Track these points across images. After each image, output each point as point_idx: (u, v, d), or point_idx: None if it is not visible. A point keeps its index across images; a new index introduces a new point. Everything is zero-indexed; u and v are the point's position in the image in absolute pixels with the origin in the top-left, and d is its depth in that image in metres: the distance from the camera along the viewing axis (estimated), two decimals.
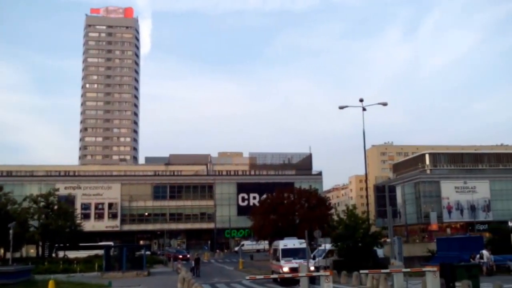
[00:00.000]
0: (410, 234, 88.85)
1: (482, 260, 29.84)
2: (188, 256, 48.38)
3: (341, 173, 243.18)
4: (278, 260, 28.64)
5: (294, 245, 29.51)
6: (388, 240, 28.60)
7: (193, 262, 38.53)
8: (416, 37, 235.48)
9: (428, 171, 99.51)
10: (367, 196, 47.44)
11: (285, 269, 26.78)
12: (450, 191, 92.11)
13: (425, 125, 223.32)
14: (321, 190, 79.67)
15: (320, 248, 36.99)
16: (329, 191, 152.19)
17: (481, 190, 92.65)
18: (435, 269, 18.58)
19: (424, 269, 19.80)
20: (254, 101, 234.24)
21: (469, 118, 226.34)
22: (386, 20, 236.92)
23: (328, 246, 36.80)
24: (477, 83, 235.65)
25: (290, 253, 28.34)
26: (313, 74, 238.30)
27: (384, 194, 25.21)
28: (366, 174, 43.14)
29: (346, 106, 36.34)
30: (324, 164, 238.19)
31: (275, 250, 30.28)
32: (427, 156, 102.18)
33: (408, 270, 21.89)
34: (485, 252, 31.17)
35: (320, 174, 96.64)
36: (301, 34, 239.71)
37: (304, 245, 29.07)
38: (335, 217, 42.34)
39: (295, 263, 26.71)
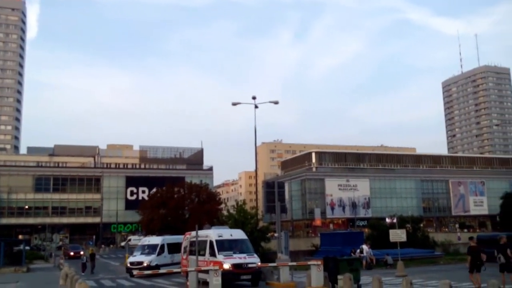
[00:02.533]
0: (295, 229, 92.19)
1: (362, 254, 31.55)
2: (82, 252, 46.05)
3: (231, 168, 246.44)
4: (212, 254, 21.91)
5: (231, 235, 23.64)
6: (276, 234, 29.24)
7: (85, 258, 36.26)
8: (307, 39, 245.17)
9: (314, 169, 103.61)
10: (256, 192, 48.35)
11: (226, 266, 20.55)
12: (334, 188, 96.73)
13: (313, 125, 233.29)
14: (211, 185, 79.72)
15: None
16: (219, 186, 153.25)
17: (362, 188, 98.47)
18: (319, 262, 19.26)
19: (309, 262, 20.44)
20: (147, 95, 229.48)
21: (353, 120, 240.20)
22: (279, 21, 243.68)
23: None
24: (361, 87, 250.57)
25: (228, 246, 22.48)
26: (208, 70, 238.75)
27: (273, 190, 25.63)
28: (256, 170, 43.77)
29: (239, 103, 36.54)
30: (216, 160, 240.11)
31: (202, 243, 22.45)
32: (313, 155, 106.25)
33: (294, 263, 22.52)
34: (365, 246, 32.99)
35: (211, 169, 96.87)
36: (197, 30, 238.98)
37: (244, 236, 24.11)
38: (225, 212, 42.54)
39: (238, 258, 21.45)
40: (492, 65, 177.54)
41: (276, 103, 37.23)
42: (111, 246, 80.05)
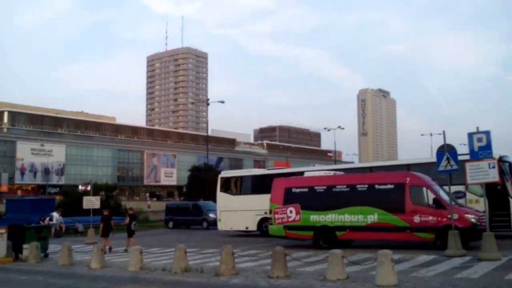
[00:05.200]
0: None
1: (52, 222, 30.46)
2: None
3: None
4: None
5: None
6: None
7: None
8: None
9: (5, 130, 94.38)
10: None
11: None
12: (26, 152, 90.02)
13: (7, 82, 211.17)
14: None
15: None
16: None
17: (57, 154, 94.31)
18: (3, 231, 17.81)
19: None
20: None
21: (58, 82, 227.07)
22: None
23: None
24: (69, 47, 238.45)
25: None
26: None
27: None
28: None
29: None
30: None
31: None
32: (5, 114, 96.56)
33: None
34: (55, 214, 31.92)
35: None
36: None
37: None
38: None
39: None
40: (193, 48, 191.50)
41: None
42: None
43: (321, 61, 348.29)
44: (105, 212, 22.06)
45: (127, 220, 21.19)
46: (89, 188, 41.27)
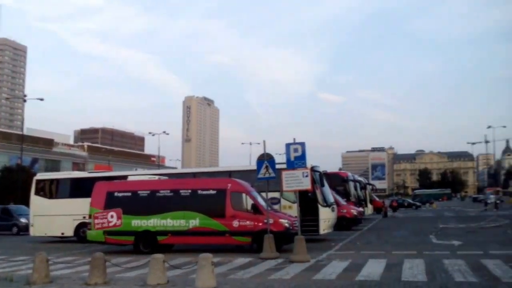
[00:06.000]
0: None
1: None
2: None
3: None
4: None
5: None
6: None
7: None
8: None
9: None
10: None
11: None
12: None
13: None
14: None
15: None
16: None
17: None
18: None
19: None
20: None
21: None
22: None
23: None
24: None
25: None
26: None
27: None
28: None
29: None
30: None
31: None
32: None
33: None
34: None
35: None
36: None
37: None
38: None
39: None
40: (11, 39, 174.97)
41: None
42: None
43: (149, 65, 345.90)
44: None
45: None
46: None
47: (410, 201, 75.27)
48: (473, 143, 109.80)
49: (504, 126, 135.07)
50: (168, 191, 17.91)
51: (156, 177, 20.77)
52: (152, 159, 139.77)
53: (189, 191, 17.57)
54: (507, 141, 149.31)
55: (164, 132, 76.94)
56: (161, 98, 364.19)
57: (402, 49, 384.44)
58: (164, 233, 17.26)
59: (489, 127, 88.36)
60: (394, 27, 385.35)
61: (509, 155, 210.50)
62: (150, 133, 79.69)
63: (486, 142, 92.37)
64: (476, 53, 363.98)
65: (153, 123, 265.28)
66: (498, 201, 57.50)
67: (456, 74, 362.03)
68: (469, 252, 15.03)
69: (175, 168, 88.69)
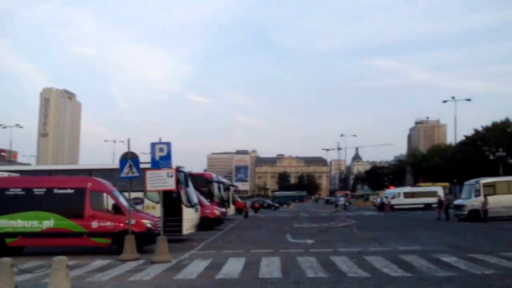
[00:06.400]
0: None
1: None
2: None
3: None
4: None
5: None
6: None
7: None
8: None
9: None
10: None
11: None
12: None
13: None
14: None
15: None
16: None
17: None
18: None
19: None
20: None
21: None
22: None
23: None
24: None
25: None
26: None
27: None
28: None
29: None
30: None
31: None
32: None
33: None
34: None
35: None
36: None
37: None
38: None
39: None
40: None
41: None
42: None
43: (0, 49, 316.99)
44: None
45: None
46: None
47: (270, 202, 78.51)
48: (327, 150, 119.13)
49: (355, 135, 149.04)
50: (20, 189, 16.60)
51: (6, 174, 19.21)
52: (3, 154, 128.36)
53: (44, 189, 16.47)
54: (357, 149, 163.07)
55: (17, 125, 71.07)
56: (14, 87, 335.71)
57: (267, 57, 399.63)
58: (13, 235, 15.97)
59: (341, 135, 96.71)
60: (260, 35, 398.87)
61: (357, 161, 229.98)
62: (0, 125, 72.75)
63: (339, 149, 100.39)
64: (334, 65, 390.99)
65: (4, 115, 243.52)
66: (347, 203, 62.71)
67: (315, 84, 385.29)
68: (320, 249, 16.11)
69: (29, 164, 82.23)
